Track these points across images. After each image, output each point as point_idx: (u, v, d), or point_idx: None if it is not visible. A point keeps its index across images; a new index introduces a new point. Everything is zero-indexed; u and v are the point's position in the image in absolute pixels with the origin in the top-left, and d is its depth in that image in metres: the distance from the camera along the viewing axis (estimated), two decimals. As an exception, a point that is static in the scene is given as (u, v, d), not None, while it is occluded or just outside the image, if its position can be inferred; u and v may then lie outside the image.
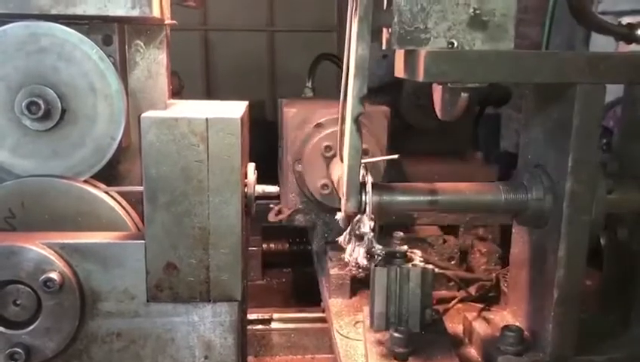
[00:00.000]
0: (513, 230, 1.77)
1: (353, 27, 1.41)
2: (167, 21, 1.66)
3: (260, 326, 2.27)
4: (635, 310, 1.69)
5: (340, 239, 1.52)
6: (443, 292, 2.06)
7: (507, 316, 1.79)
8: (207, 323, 1.46)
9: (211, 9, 5.61)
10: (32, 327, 1.39)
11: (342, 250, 1.56)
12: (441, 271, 2.02)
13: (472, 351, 1.73)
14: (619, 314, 1.73)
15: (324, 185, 2.06)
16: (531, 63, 1.39)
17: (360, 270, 1.50)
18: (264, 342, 2.26)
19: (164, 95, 1.66)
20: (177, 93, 2.22)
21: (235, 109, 1.50)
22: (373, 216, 1.48)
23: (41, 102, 1.48)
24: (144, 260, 1.41)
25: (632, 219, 1.65)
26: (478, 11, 1.35)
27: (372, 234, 1.46)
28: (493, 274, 2.05)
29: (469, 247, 2.24)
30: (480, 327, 1.72)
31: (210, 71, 6.30)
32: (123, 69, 1.60)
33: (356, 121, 1.44)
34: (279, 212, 2.21)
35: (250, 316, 2.18)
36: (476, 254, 2.21)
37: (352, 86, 1.43)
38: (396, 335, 1.56)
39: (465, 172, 2.28)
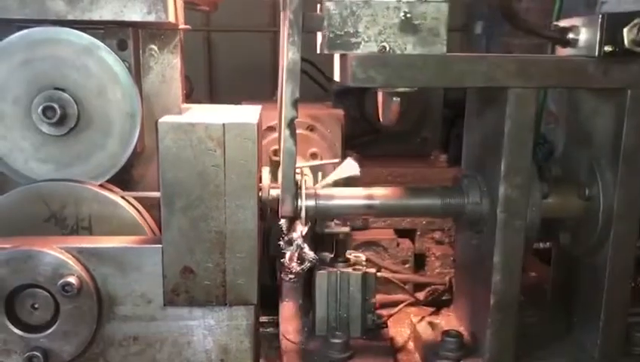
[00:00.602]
0: (456, 234, 1.77)
1: (284, 31, 1.39)
2: (181, 26, 1.67)
3: (270, 329, 2.27)
4: (577, 315, 1.67)
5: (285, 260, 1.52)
6: (399, 296, 2.01)
7: (453, 320, 1.78)
8: (224, 327, 1.47)
9: (214, 10, 5.56)
10: (50, 331, 1.39)
11: None
12: (391, 275, 1.99)
13: (416, 356, 1.70)
14: (563, 319, 1.72)
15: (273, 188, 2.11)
16: (460, 67, 1.39)
17: (292, 275, 1.49)
18: (275, 345, 2.26)
19: (178, 99, 1.66)
20: (188, 96, 2.22)
21: (251, 114, 1.51)
22: (307, 221, 1.47)
23: (56, 106, 1.49)
24: (161, 264, 1.42)
25: (573, 224, 1.64)
26: (408, 15, 1.34)
27: (301, 239, 1.45)
28: (447, 278, 2.02)
29: (426, 251, 2.23)
30: (423, 332, 1.70)
31: (212, 72, 6.29)
32: (137, 74, 1.61)
33: (290, 125, 1.42)
34: None
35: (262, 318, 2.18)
36: (431, 257, 2.20)
37: (284, 90, 1.41)
38: (333, 340, 1.56)
39: (430, 174, 2.29)
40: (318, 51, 1.42)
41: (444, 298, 1.96)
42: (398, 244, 2.13)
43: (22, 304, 1.39)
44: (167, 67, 1.65)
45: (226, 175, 1.39)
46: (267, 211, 1.56)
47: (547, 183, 1.54)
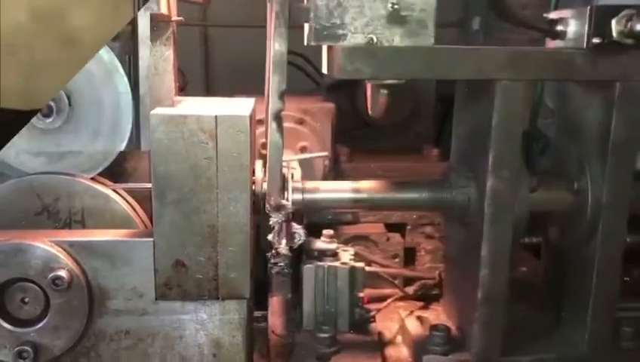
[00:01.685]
0: (445, 228, 1.76)
1: (271, 23, 1.38)
2: (174, 17, 1.65)
3: (263, 324, 2.26)
4: (566, 310, 1.66)
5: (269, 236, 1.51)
6: (387, 291, 2.00)
7: (442, 315, 1.78)
8: (216, 321, 1.46)
9: (211, 5, 5.59)
10: (40, 325, 1.38)
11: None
12: (381, 269, 1.97)
13: (404, 351, 1.70)
14: (552, 313, 1.71)
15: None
16: (449, 59, 1.37)
17: (284, 257, 1.48)
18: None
19: (171, 92, 1.65)
20: (182, 89, 2.21)
21: (244, 106, 1.50)
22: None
23: (48, 99, 1.48)
24: (152, 258, 1.41)
25: (562, 218, 1.63)
26: (396, 6, 1.32)
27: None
28: (437, 272, 2.01)
29: (417, 245, 2.20)
30: (412, 326, 1.70)
31: (209, 67, 6.26)
32: (130, 66, 1.59)
33: (276, 117, 1.41)
34: None
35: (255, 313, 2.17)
36: (421, 252, 2.18)
37: (270, 82, 1.40)
38: (320, 335, 1.56)
39: (421, 168, 2.28)
40: (305, 43, 1.41)
41: (433, 292, 1.96)
42: (388, 239, 2.11)
43: (12, 298, 1.38)
44: (160, 59, 1.63)
45: (219, 168, 1.38)
46: (260, 204, 1.55)
47: (536, 177, 1.53)
